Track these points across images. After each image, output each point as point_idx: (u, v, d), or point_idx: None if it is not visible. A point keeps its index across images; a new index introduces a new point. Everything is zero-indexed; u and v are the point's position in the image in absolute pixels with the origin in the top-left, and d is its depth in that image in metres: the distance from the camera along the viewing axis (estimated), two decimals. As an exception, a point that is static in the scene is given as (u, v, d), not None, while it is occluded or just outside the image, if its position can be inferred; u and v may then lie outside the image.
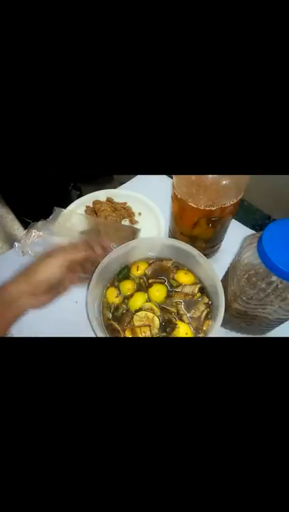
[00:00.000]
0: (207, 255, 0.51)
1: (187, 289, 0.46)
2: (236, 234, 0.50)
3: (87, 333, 0.46)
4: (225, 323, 0.50)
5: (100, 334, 0.39)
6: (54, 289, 0.39)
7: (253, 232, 0.63)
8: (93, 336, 0.42)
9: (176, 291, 0.46)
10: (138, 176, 0.75)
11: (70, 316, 0.53)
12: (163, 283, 0.47)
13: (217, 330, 0.40)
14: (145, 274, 0.48)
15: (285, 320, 0.43)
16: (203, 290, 0.46)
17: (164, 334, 0.42)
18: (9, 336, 0.38)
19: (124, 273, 0.48)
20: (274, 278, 0.35)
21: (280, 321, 0.43)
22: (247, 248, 0.39)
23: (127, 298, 0.46)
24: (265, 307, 0.40)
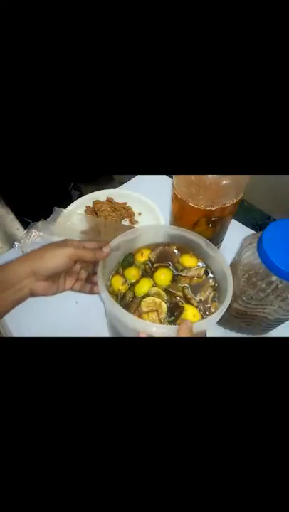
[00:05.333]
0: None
1: (193, 272, 0.46)
2: (236, 234, 0.50)
3: (87, 333, 0.46)
4: (225, 323, 0.50)
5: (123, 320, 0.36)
6: (55, 280, 0.39)
7: (253, 232, 0.63)
8: (92, 336, 0.42)
9: (181, 275, 0.46)
10: (138, 176, 0.75)
11: (70, 316, 0.53)
12: (168, 267, 0.47)
13: (223, 312, 0.37)
14: (150, 260, 0.48)
15: (285, 320, 0.43)
16: (208, 272, 0.46)
17: (172, 318, 0.42)
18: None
19: (128, 260, 0.48)
20: (274, 278, 0.35)
21: (280, 321, 0.43)
22: (247, 248, 0.39)
23: (132, 285, 0.46)
24: (265, 307, 0.40)
